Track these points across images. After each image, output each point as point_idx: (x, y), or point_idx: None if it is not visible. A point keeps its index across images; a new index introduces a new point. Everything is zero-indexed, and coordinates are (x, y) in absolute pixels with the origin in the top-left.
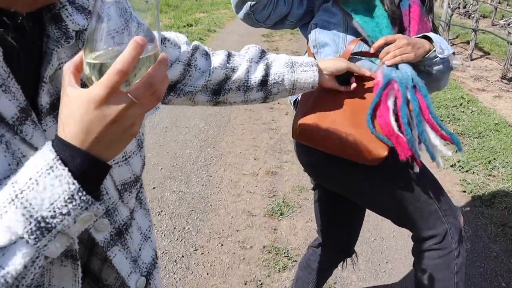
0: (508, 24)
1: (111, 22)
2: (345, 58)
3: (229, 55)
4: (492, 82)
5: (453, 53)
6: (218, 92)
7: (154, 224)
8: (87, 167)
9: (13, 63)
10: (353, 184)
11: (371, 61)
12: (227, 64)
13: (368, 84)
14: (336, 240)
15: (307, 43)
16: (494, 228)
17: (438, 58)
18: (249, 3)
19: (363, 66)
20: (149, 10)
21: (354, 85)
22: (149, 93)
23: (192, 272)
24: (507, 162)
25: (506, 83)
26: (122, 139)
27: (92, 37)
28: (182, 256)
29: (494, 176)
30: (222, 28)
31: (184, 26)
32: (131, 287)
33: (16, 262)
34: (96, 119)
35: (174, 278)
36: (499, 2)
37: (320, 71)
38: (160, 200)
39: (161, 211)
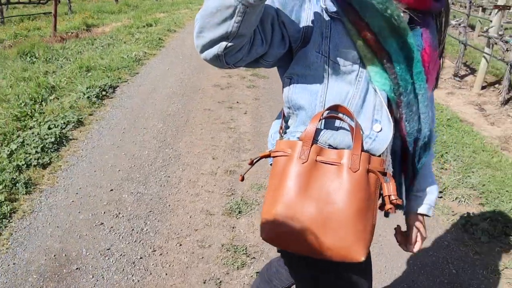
0: (459, 24)
1: None
2: (307, 141)
3: None
4: (445, 80)
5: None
6: None
7: (112, 227)
8: None
9: None
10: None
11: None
12: None
13: (333, 170)
14: None
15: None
16: (445, 218)
17: None
18: (224, 43)
19: (340, 140)
20: None
21: None
22: None
23: (151, 273)
24: (458, 156)
25: (458, 81)
26: None
27: None
28: (141, 258)
29: (446, 169)
30: (182, 28)
31: (144, 26)
32: None
33: None
34: None
35: (133, 280)
36: (453, 3)
37: None
38: (117, 202)
39: (119, 213)
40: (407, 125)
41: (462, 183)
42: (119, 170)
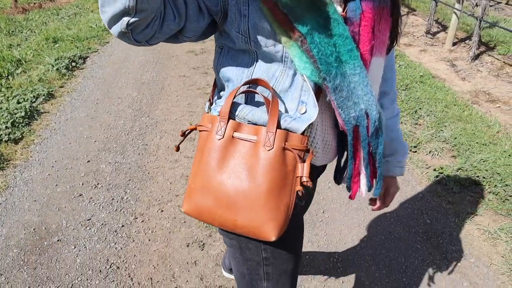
0: None
1: None
2: (223, 117)
3: None
4: (417, 37)
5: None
6: None
7: (91, 197)
8: None
9: None
10: None
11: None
12: None
13: (249, 147)
14: None
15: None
16: (420, 172)
17: None
18: (126, 19)
19: (259, 116)
20: None
21: None
22: None
23: (134, 240)
24: (431, 111)
25: (430, 38)
26: None
27: None
28: (122, 226)
29: (420, 124)
30: None
31: None
32: None
33: None
34: None
35: (116, 248)
36: None
37: None
38: (95, 173)
39: (98, 183)
40: (341, 112)
41: (435, 137)
42: (95, 141)
